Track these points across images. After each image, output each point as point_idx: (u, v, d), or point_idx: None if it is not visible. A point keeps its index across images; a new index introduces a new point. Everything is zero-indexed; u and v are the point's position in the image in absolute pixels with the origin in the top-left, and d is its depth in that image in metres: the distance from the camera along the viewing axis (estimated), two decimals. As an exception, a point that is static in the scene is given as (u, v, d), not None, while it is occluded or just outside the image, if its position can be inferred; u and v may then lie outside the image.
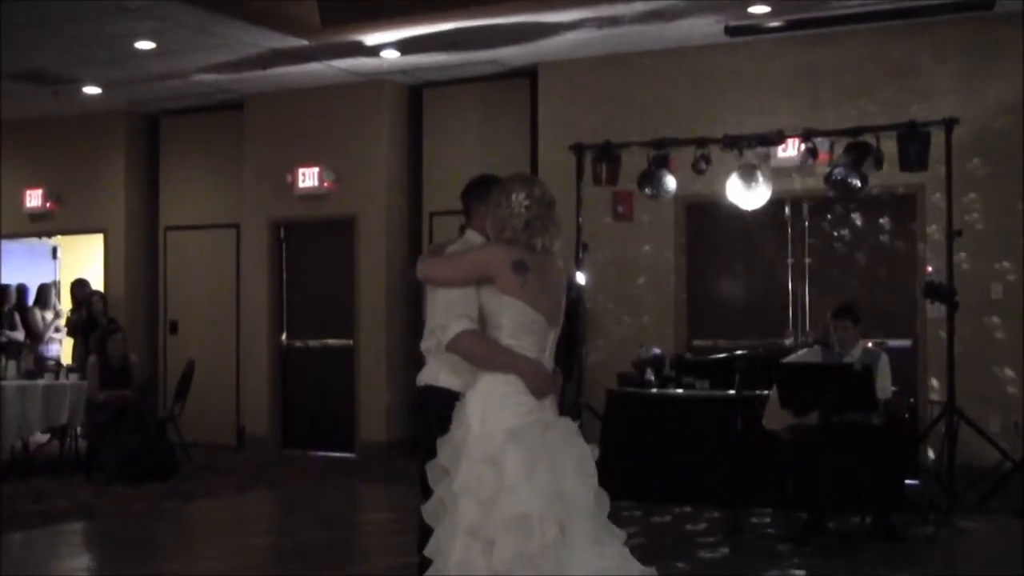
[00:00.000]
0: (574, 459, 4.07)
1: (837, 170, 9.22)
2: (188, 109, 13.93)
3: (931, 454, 9.39)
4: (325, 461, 12.36)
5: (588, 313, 10.86)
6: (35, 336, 13.95)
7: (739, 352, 9.82)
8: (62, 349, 14.33)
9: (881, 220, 10.63)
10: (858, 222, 10.66)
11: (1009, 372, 9.99)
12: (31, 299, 14.33)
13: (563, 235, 4.39)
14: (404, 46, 11.10)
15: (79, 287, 13.68)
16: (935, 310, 9.61)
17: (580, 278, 10.05)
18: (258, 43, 10.95)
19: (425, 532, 4.19)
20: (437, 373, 4.52)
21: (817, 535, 7.70)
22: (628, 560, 4.09)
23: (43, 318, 14.17)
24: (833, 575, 7.02)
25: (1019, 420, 9.71)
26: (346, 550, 8.03)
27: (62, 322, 14.13)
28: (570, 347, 9.68)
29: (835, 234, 10.72)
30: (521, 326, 4.16)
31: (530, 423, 4.08)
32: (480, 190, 4.64)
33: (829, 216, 10.70)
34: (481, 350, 4.19)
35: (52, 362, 12.94)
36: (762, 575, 6.92)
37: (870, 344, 8.39)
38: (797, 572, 7.00)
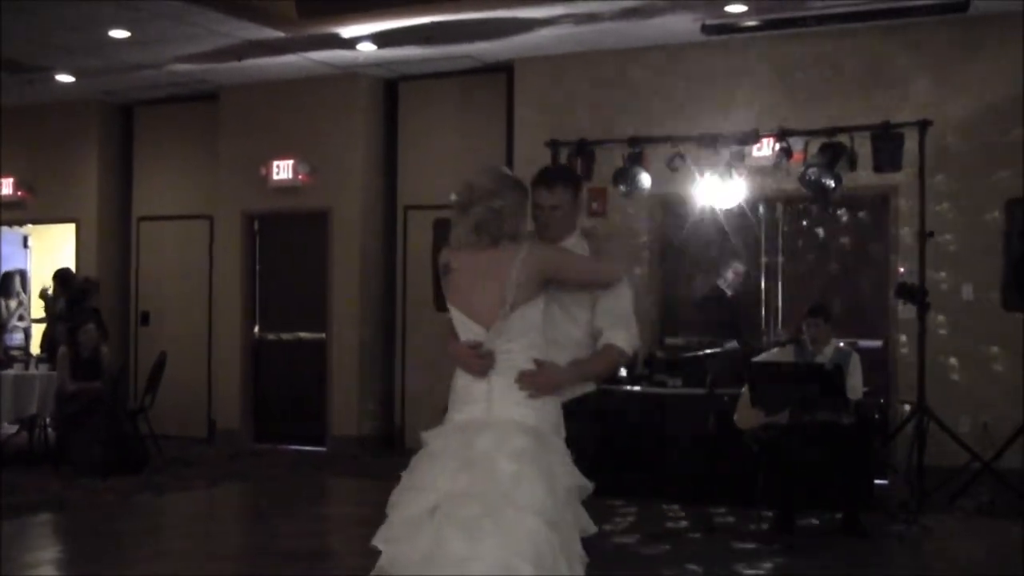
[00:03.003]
0: (500, 460, 3.89)
1: (811, 170, 9.26)
2: (162, 99, 13.85)
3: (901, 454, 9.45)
4: (296, 455, 12.33)
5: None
6: (1, 325, 13.86)
7: (711, 350, 9.86)
8: (27, 338, 14.24)
9: (854, 220, 10.68)
10: (831, 222, 10.70)
11: (978, 373, 10.05)
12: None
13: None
14: (380, 39, 11.07)
15: (65, 276, 13.61)
16: (906, 311, 9.66)
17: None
18: (234, 34, 10.90)
19: None
20: None
21: (787, 533, 7.74)
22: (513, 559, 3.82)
23: (7, 307, 14.07)
24: (803, 573, 7.05)
25: (988, 421, 9.77)
26: (316, 544, 8.01)
27: (32, 311, 14.05)
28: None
29: (808, 234, 10.76)
30: (461, 332, 4.14)
31: (458, 421, 4.06)
32: None
33: (802, 216, 10.74)
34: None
35: (20, 352, 12.86)
36: (732, 572, 6.95)
37: (842, 344, 8.42)
38: (766, 570, 7.03)
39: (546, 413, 4.10)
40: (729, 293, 10.59)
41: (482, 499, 3.82)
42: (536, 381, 4.07)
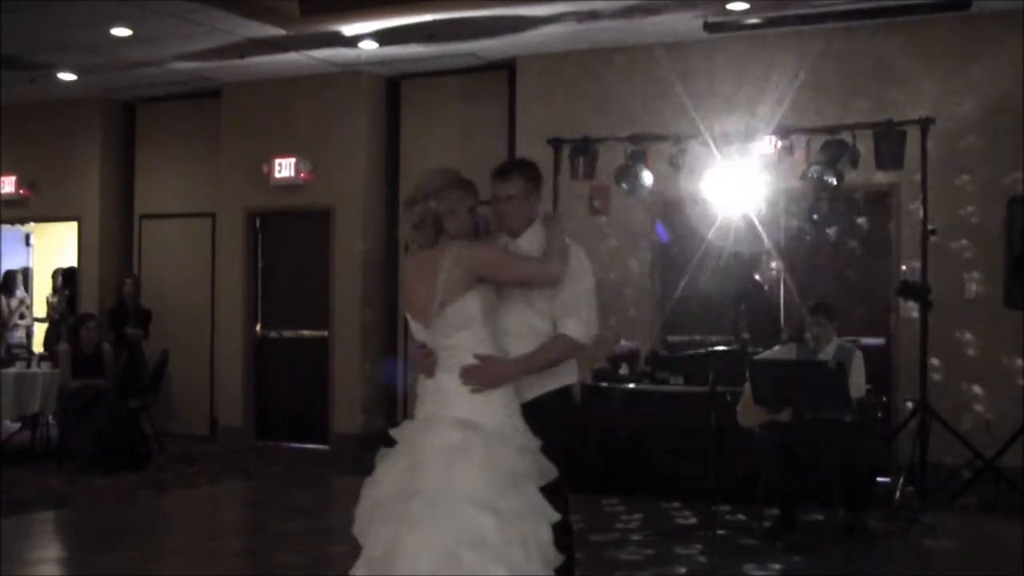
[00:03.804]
0: (438, 455, 4.04)
1: (813, 168, 9.24)
2: (164, 97, 13.85)
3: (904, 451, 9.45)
4: (298, 452, 12.34)
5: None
6: (2, 323, 13.87)
7: (714, 348, 9.85)
8: (30, 337, 14.25)
9: (857, 218, 10.67)
10: (833, 220, 10.68)
11: (981, 371, 10.04)
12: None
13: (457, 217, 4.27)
14: (382, 37, 11.07)
15: (64, 274, 13.66)
16: (909, 308, 9.66)
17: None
18: (236, 32, 10.90)
19: None
20: None
21: (789, 531, 7.73)
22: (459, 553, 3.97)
23: (8, 305, 14.08)
24: (805, 571, 7.05)
25: (990, 418, 9.77)
26: (317, 542, 8.01)
27: (36, 309, 14.08)
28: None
29: (810, 231, 10.75)
30: (412, 332, 4.35)
31: (416, 418, 4.24)
32: None
33: (805, 213, 10.71)
34: None
35: (22, 350, 12.87)
36: (734, 571, 6.95)
37: (844, 342, 8.41)
38: (769, 568, 7.03)
39: (490, 406, 4.17)
40: (766, 288, 10.60)
41: (424, 493, 3.98)
42: (478, 376, 4.16)
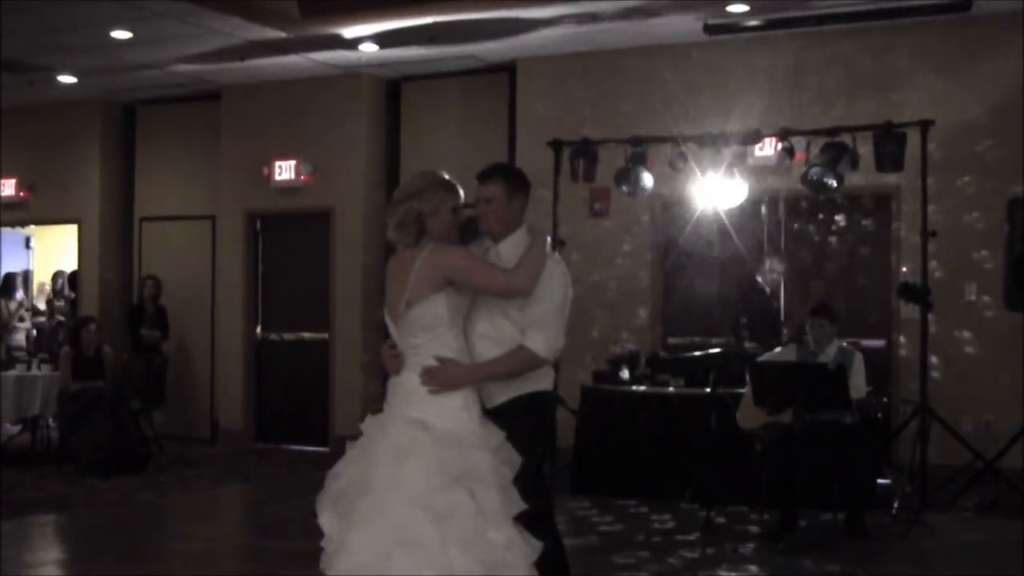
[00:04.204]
0: (388, 454, 4.15)
1: (813, 170, 9.24)
2: (164, 99, 13.85)
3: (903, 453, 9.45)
4: (299, 455, 12.33)
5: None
6: (2, 326, 13.87)
7: (714, 350, 9.86)
8: (29, 339, 14.23)
9: (857, 220, 10.67)
10: (834, 222, 10.69)
11: (981, 372, 10.04)
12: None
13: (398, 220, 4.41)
14: (382, 39, 11.07)
15: (58, 278, 13.65)
16: (909, 310, 9.66)
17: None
18: (236, 34, 10.90)
19: None
20: None
21: (789, 532, 7.73)
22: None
23: (7, 308, 14.08)
24: (806, 572, 7.04)
25: (990, 420, 9.78)
26: (317, 544, 7.99)
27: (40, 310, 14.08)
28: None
29: (811, 233, 10.75)
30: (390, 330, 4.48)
31: (381, 415, 4.37)
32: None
33: (805, 215, 10.74)
34: None
35: (22, 352, 12.87)
36: (735, 572, 6.95)
37: (844, 343, 8.42)
38: (769, 569, 7.03)
39: (447, 408, 4.24)
40: (768, 290, 10.60)
41: (373, 492, 4.09)
42: (436, 377, 4.25)
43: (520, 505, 4.15)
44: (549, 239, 4.60)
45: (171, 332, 13.02)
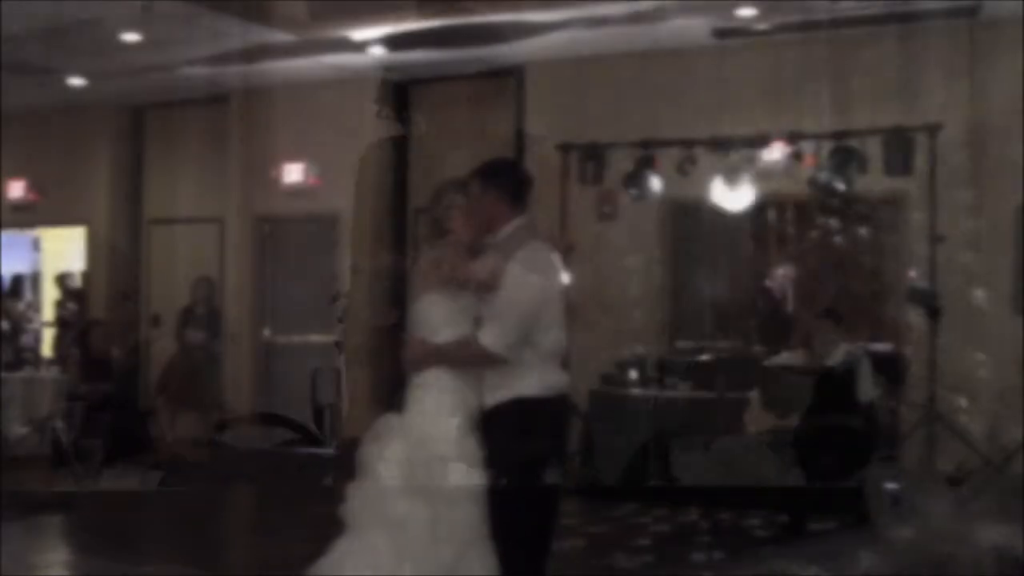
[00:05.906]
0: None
1: (822, 173, 9.24)
2: (173, 102, 13.85)
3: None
4: (305, 457, 12.30)
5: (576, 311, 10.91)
6: (14, 327, 13.89)
7: (722, 354, 9.85)
8: (38, 341, 14.27)
9: (865, 224, 10.65)
10: (842, 226, 10.68)
11: (989, 377, 10.02)
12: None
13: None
14: (391, 43, 11.07)
15: (67, 280, 13.67)
16: (917, 315, 9.63)
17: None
18: (245, 37, 10.91)
19: None
20: None
21: (797, 536, 7.71)
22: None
23: (16, 309, 14.10)
24: (813, 577, 7.03)
25: (997, 425, 9.75)
26: (322, 546, 7.99)
27: (45, 313, 14.10)
28: None
29: (819, 237, 10.74)
30: None
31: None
32: None
33: (814, 219, 10.72)
34: None
35: (30, 354, 12.89)
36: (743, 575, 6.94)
37: (853, 347, 8.40)
38: (777, 573, 7.01)
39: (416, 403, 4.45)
40: (776, 294, 10.59)
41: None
42: (408, 351, 4.50)
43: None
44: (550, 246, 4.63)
45: (176, 332, 13.00)
